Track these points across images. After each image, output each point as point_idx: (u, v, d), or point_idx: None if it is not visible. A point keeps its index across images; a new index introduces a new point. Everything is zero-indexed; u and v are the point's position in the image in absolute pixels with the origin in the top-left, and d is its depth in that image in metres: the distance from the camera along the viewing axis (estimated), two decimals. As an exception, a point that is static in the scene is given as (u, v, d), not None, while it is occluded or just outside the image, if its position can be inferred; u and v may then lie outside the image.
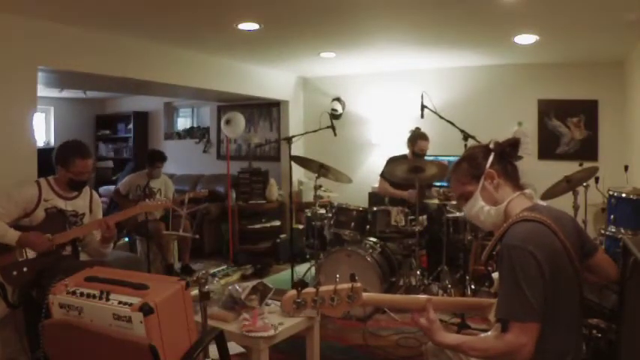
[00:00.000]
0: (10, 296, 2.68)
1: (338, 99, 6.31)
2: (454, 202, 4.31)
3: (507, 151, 1.65)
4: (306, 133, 4.90)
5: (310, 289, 1.46)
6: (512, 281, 1.40)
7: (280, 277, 5.04)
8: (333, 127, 4.37)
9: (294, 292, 1.46)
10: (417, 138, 4.48)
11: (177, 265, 5.17)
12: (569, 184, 3.79)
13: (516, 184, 1.64)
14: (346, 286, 1.48)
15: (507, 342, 1.37)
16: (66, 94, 7.25)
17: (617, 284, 1.73)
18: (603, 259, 1.68)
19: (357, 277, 1.51)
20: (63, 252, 2.83)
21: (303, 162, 4.37)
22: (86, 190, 3.03)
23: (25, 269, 2.68)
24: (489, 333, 1.57)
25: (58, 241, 2.74)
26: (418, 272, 4.00)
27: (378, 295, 1.64)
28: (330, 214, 4.21)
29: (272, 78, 6.02)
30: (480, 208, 1.63)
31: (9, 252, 2.66)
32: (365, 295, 1.50)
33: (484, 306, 1.63)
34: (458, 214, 4.11)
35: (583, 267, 1.56)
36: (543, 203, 1.63)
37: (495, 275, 1.56)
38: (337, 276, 1.50)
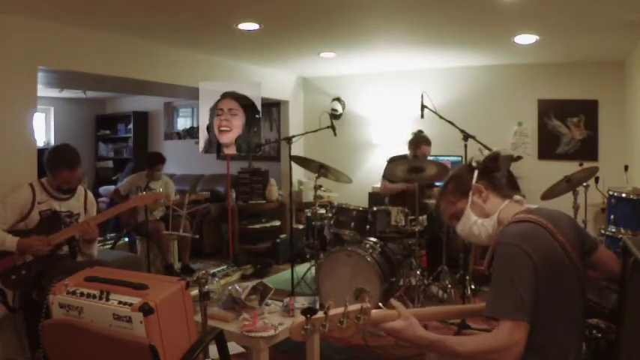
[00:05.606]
0: (10, 300, 2.68)
1: (338, 99, 6.32)
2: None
3: (489, 166, 1.68)
4: (306, 133, 4.90)
5: (320, 315, 1.42)
6: (503, 278, 1.39)
7: (280, 277, 5.04)
8: (333, 127, 4.37)
9: (302, 319, 1.41)
10: (420, 142, 4.39)
11: (177, 265, 5.17)
12: (569, 184, 3.79)
13: (504, 193, 1.66)
14: (356, 307, 1.45)
15: (499, 339, 1.33)
16: (66, 94, 7.26)
17: (617, 284, 1.72)
18: (605, 255, 1.68)
19: (367, 290, 1.49)
20: (60, 252, 2.83)
21: (303, 162, 4.37)
22: (80, 190, 3.02)
23: (23, 272, 2.68)
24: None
25: (54, 242, 2.73)
26: (418, 272, 4.00)
27: (387, 311, 1.56)
28: (330, 214, 4.20)
29: (272, 78, 6.01)
30: (474, 223, 1.65)
31: (7, 256, 2.66)
32: (374, 312, 1.46)
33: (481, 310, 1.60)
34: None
35: (585, 265, 1.55)
36: (534, 206, 1.63)
37: None
38: (347, 298, 1.47)
